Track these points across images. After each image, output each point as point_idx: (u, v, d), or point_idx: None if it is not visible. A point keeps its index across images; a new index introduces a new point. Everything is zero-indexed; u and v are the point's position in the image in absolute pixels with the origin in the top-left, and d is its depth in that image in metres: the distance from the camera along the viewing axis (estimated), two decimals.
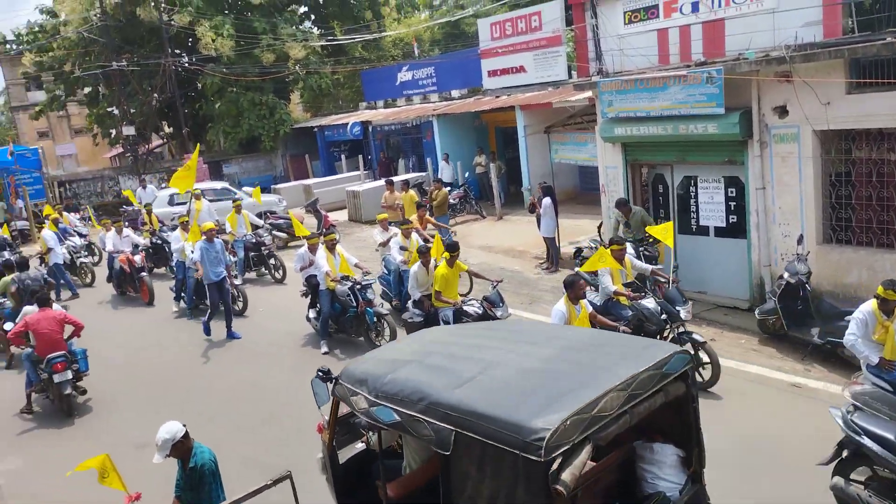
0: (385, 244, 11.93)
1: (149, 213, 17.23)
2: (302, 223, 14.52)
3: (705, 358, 7.76)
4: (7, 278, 11.55)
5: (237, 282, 13.10)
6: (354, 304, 10.14)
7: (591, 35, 11.89)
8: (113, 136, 32.04)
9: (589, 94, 13.83)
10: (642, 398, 3.75)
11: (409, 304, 9.91)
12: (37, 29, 30.08)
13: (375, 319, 10.19)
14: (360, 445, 5.49)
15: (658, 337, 8.09)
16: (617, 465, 4.36)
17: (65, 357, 8.84)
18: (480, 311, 9.18)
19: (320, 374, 5.24)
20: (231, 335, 11.35)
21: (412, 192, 15.93)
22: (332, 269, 10.26)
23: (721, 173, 10.48)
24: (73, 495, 6.71)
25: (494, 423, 3.46)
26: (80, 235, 18.32)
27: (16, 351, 10.58)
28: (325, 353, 10.21)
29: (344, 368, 4.70)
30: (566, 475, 3.24)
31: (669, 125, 10.39)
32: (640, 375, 3.80)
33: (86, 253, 17.22)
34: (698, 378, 7.47)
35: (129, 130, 27.86)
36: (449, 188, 18.61)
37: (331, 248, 10.47)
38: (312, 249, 10.94)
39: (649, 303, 8.32)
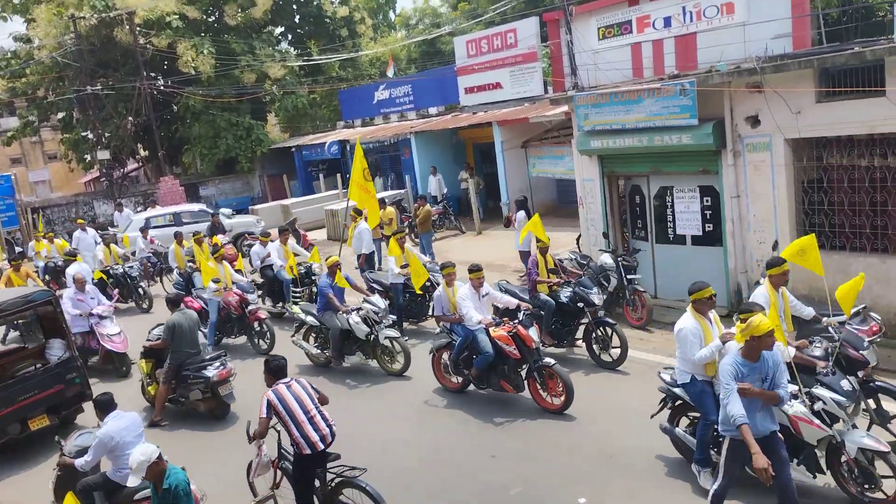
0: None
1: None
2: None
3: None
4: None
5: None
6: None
7: (566, 51, 12.06)
8: (87, 160, 31.66)
9: (565, 108, 14.00)
10: (12, 312, 8.49)
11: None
12: (9, 55, 29.75)
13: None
14: None
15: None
16: (39, 351, 9.42)
17: None
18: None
19: None
20: None
21: (390, 209, 15.92)
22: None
23: (696, 183, 10.63)
24: None
25: None
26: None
27: None
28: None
29: None
30: None
31: (644, 137, 10.54)
32: (9, 301, 8.36)
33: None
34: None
35: (103, 155, 27.54)
36: (434, 203, 18.62)
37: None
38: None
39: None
